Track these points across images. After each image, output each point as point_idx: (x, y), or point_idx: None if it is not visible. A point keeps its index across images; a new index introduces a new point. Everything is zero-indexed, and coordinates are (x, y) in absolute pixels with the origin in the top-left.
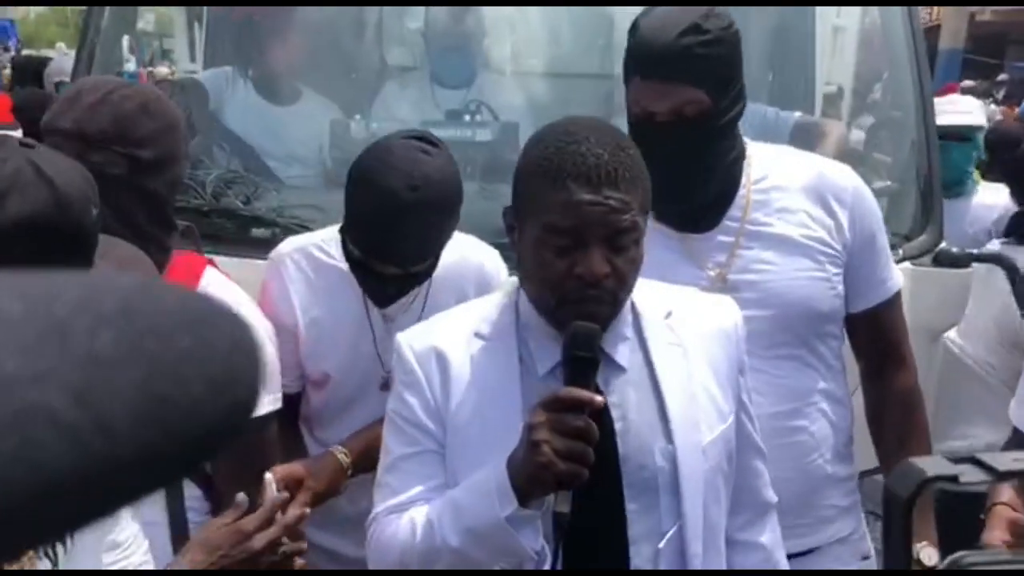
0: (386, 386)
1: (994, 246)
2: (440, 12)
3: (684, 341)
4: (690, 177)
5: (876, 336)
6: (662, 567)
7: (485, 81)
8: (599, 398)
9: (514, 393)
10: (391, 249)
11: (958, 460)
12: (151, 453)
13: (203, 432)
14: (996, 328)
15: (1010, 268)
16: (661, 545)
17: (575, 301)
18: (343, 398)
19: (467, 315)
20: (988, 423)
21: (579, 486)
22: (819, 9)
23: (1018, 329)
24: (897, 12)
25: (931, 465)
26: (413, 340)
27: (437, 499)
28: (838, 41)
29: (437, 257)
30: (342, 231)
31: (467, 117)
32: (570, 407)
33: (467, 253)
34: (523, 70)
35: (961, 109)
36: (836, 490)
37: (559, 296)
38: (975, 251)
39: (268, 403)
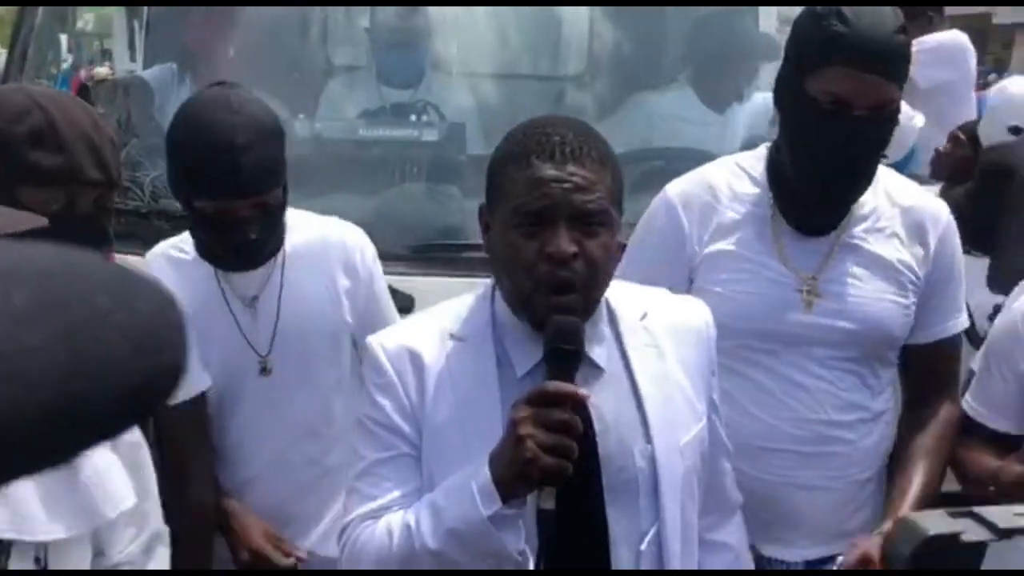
0: (265, 371)
1: None
2: (387, 11)
3: (660, 342)
4: (860, 173)
5: (930, 370)
6: (643, 568)
7: (432, 81)
8: (583, 391)
9: (493, 394)
10: (237, 177)
11: (957, 515)
12: (76, 405)
13: (128, 390)
14: None
15: None
16: (642, 546)
17: (549, 287)
18: (221, 390)
19: (440, 316)
20: None
21: (562, 483)
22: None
23: None
24: None
25: (932, 523)
26: (385, 341)
27: (414, 503)
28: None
29: (284, 202)
30: (191, 223)
31: (413, 117)
32: (554, 401)
33: (327, 231)
34: (470, 71)
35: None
36: (864, 510)
37: (533, 281)
38: None
39: (203, 382)
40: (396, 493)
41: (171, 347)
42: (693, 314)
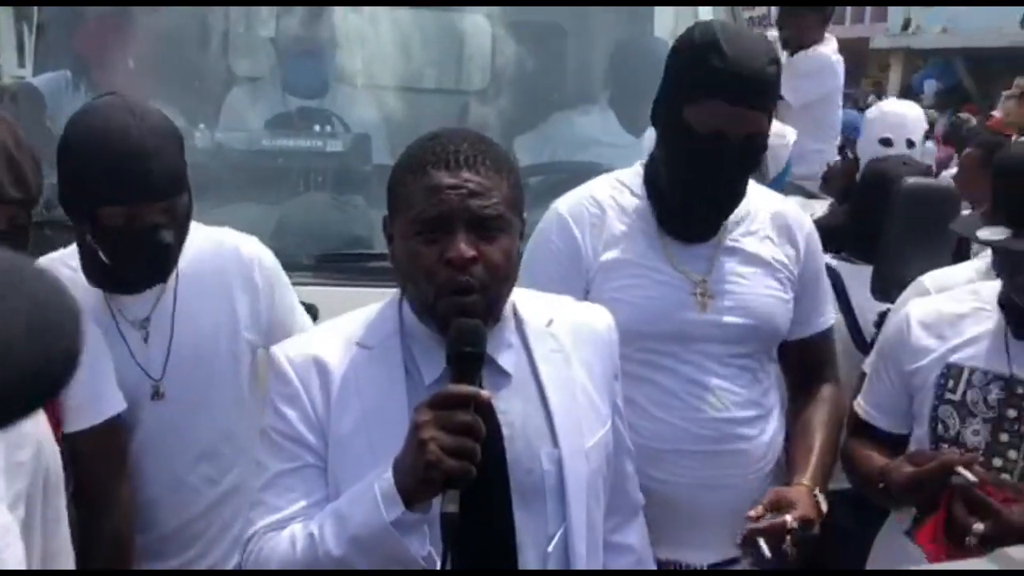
0: (157, 395)
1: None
2: (292, 20)
3: (565, 348)
4: (734, 193)
5: (813, 360)
6: (550, 568)
7: (336, 93)
8: (485, 392)
9: (400, 402)
10: (148, 180)
11: None
12: None
13: (23, 376)
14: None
15: (834, 276)
16: (550, 549)
17: (450, 291)
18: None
19: (346, 325)
20: None
21: (467, 487)
22: (656, 26)
23: (845, 339)
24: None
25: None
26: (289, 351)
27: (318, 514)
28: None
29: (190, 212)
30: (81, 241)
31: (318, 127)
32: (456, 403)
33: (221, 244)
34: (375, 83)
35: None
36: None
37: (435, 287)
38: None
39: (120, 397)
40: (301, 504)
41: (66, 333)
42: (597, 320)
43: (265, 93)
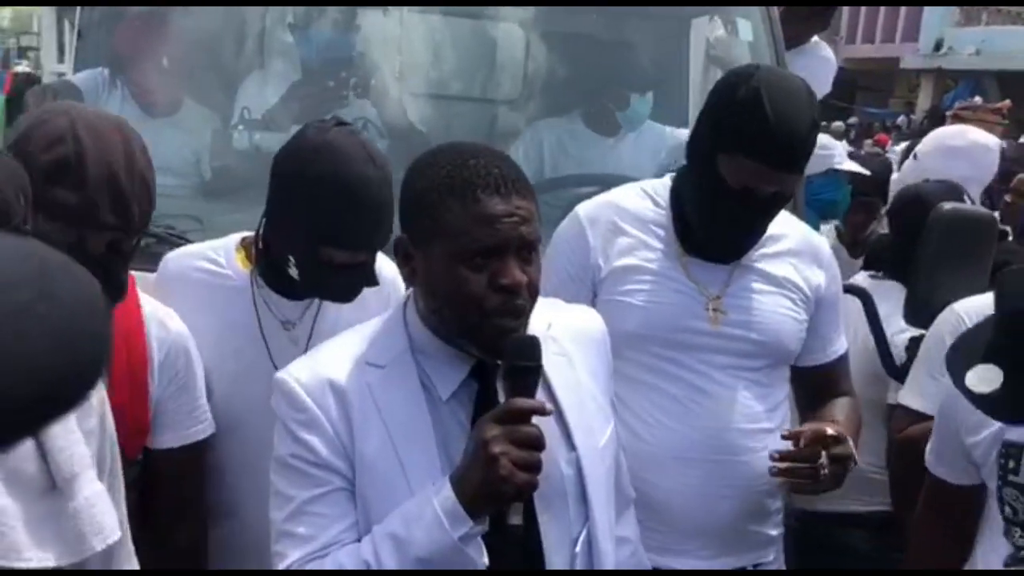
0: None
1: (860, 279)
2: (325, 24)
3: (567, 350)
4: (757, 234)
5: (830, 384)
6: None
7: (370, 100)
8: (549, 406)
9: (423, 420)
10: (377, 233)
11: None
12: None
13: (48, 385)
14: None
15: (866, 300)
16: (577, 550)
17: (501, 315)
18: (227, 416)
19: (350, 345)
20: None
21: (527, 497)
22: (693, 36)
23: (875, 359)
24: (764, 42)
25: None
26: (299, 375)
27: (355, 540)
28: (710, 71)
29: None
30: (264, 236)
31: None
32: (521, 417)
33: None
34: (409, 91)
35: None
36: (769, 519)
37: (482, 311)
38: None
39: (204, 429)
40: (334, 530)
41: (93, 337)
42: (590, 321)
43: (301, 96)
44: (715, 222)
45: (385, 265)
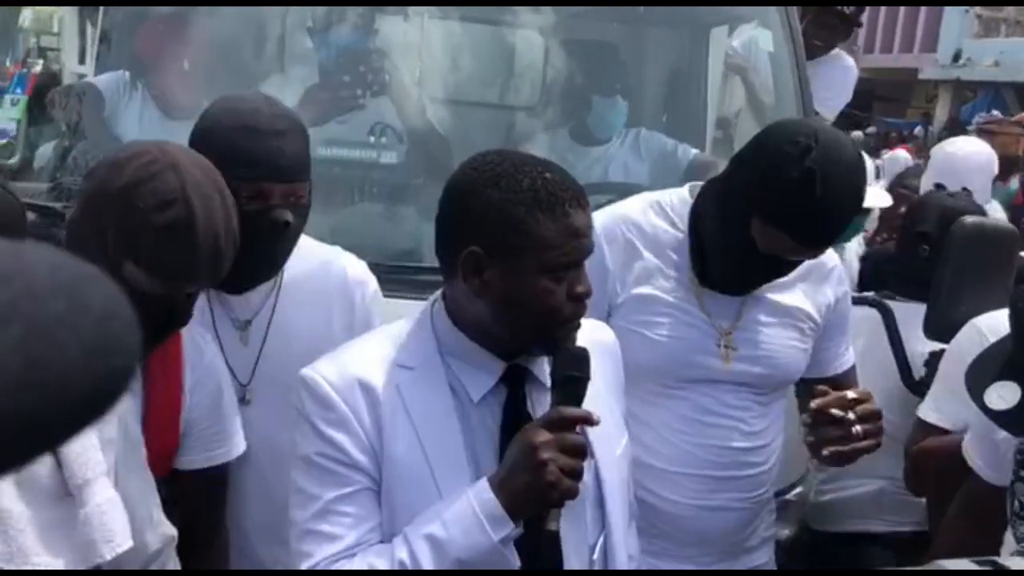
0: (244, 401)
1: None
2: (344, 28)
3: None
4: (771, 278)
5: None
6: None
7: (389, 105)
8: (596, 415)
9: (453, 423)
10: (280, 158)
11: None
12: (26, 417)
13: (80, 396)
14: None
15: (886, 313)
16: (595, 556)
17: (572, 321)
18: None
19: (378, 345)
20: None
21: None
22: (712, 49)
23: (894, 379)
24: (784, 52)
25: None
26: (328, 374)
27: (379, 541)
28: (729, 81)
29: (308, 206)
30: None
31: (371, 139)
32: (569, 425)
33: (329, 261)
34: (429, 96)
35: None
36: (764, 522)
37: (558, 320)
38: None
39: (237, 444)
40: (362, 529)
41: (123, 349)
42: (604, 334)
43: (319, 99)
44: (736, 269)
45: (350, 266)
